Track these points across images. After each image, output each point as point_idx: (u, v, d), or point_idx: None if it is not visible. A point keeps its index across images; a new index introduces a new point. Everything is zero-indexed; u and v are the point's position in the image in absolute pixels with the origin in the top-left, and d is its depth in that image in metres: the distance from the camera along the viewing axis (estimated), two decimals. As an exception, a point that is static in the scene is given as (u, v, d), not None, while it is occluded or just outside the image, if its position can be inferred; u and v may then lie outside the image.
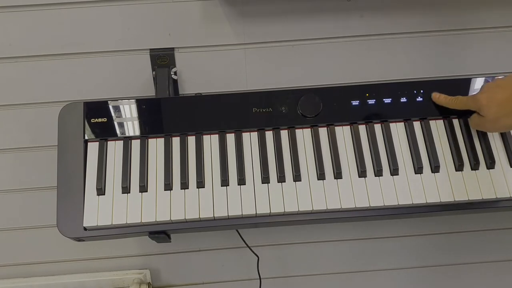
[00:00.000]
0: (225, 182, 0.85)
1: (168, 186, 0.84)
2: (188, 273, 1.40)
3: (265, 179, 0.85)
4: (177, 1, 0.96)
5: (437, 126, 0.89)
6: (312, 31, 1.01)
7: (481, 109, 0.81)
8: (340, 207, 0.83)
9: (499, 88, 0.80)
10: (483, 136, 0.88)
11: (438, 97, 0.89)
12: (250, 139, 0.89)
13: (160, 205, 0.83)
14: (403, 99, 0.90)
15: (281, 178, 0.85)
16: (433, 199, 0.84)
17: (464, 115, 0.89)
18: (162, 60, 1.02)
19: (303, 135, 0.89)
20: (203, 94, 1.03)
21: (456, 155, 0.86)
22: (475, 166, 0.86)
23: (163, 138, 0.88)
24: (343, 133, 0.89)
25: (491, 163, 0.86)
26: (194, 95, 1.05)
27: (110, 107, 0.90)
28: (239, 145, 0.88)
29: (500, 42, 1.06)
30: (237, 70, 1.05)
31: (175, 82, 1.03)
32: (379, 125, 0.90)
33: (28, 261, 1.32)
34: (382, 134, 0.89)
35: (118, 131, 0.88)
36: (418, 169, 0.86)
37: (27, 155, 1.13)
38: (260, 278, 1.27)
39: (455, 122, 0.89)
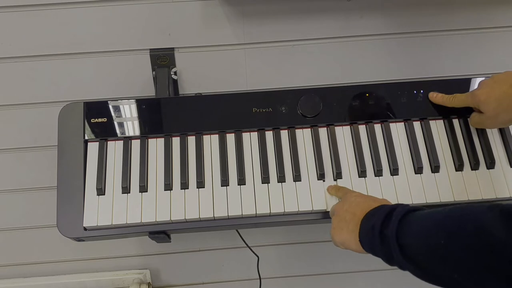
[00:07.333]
0: (225, 182, 0.85)
1: (168, 186, 0.84)
2: (188, 273, 1.40)
3: (265, 179, 0.85)
4: (177, 1, 0.96)
5: (437, 126, 0.89)
6: (312, 31, 1.01)
7: (480, 106, 0.81)
8: (340, 207, 0.83)
9: (497, 84, 0.79)
10: (483, 136, 0.88)
11: (435, 97, 0.89)
12: (250, 139, 0.89)
13: (160, 205, 0.83)
14: (403, 99, 0.90)
15: (281, 178, 0.85)
16: (433, 199, 0.83)
17: (464, 115, 0.89)
18: (162, 60, 1.02)
19: (303, 135, 0.89)
20: (203, 94, 1.03)
21: (456, 155, 0.86)
22: (475, 166, 0.86)
23: (163, 138, 0.88)
24: (343, 133, 0.89)
25: (491, 163, 0.86)
26: (194, 95, 1.05)
27: (110, 107, 0.90)
28: (239, 145, 0.88)
29: (504, 42, 1.06)
30: (237, 70, 1.05)
31: (175, 82, 1.03)
32: (379, 125, 0.89)
33: (28, 261, 1.32)
34: (382, 134, 0.89)
35: (118, 131, 0.88)
36: (418, 169, 0.86)
37: (28, 155, 1.13)
38: (260, 278, 1.27)
39: (455, 122, 0.89)
